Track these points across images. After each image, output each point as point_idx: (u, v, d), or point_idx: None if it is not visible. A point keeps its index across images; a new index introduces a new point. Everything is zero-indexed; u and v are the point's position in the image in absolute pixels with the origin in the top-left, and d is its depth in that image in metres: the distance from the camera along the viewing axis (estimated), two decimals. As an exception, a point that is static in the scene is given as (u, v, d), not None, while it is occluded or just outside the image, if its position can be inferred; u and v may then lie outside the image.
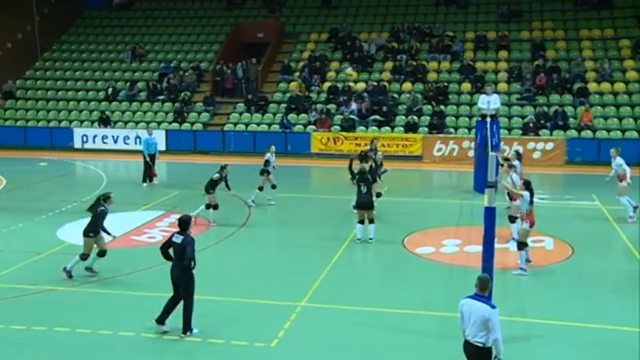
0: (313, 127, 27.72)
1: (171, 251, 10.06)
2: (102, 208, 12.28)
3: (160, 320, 10.08)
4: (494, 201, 9.71)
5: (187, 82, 31.32)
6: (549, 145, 24.99)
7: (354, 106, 28.08)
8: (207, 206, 16.48)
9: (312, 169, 25.25)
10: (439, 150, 25.88)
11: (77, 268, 12.43)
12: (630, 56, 28.68)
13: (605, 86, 27.60)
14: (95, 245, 12.45)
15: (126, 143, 28.64)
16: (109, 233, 12.42)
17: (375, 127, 27.31)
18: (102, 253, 12.52)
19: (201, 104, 30.19)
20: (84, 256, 12.37)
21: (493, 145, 17.92)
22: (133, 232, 15.73)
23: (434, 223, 16.61)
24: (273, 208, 18.30)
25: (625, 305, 11.27)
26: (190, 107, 30.31)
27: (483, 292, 7.60)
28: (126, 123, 29.93)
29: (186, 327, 10.00)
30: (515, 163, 15.43)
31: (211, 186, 16.39)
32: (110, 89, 31.61)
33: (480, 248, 10.10)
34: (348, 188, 18.21)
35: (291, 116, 28.44)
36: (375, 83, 29.18)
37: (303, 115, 28.59)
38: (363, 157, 18.15)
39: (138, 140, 27.40)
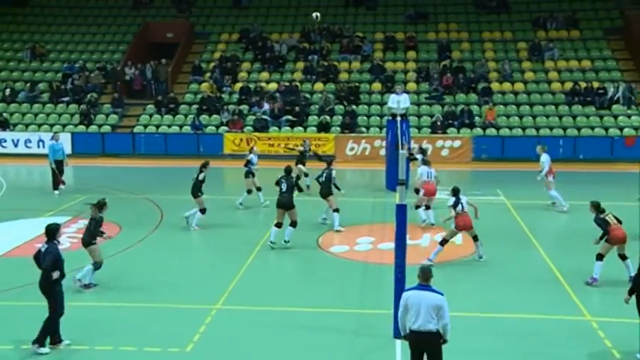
0: (226, 128, 27.46)
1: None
2: (99, 217, 12.02)
3: (53, 340, 9.50)
4: (405, 198, 9.92)
5: (93, 83, 30.29)
6: (457, 143, 25.81)
7: (266, 106, 28.03)
8: (202, 211, 15.81)
9: (225, 170, 25.00)
10: (351, 149, 26.23)
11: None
12: (527, 58, 30.07)
13: (507, 86, 28.81)
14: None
15: (27, 147, 27.38)
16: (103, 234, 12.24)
17: (287, 128, 27.36)
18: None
19: (109, 106, 29.29)
20: (97, 265, 11.94)
21: (403, 144, 18.32)
22: (37, 240, 15.05)
23: (348, 221, 16.75)
24: (185, 211, 17.98)
25: (529, 294, 11.80)
26: (97, 109, 29.34)
27: (427, 281, 7.87)
28: (27, 126, 28.61)
29: (40, 338, 9.33)
30: (418, 157, 17.05)
31: (199, 188, 15.69)
32: (8, 90, 30.08)
33: (393, 245, 10.29)
34: (262, 190, 18.11)
35: (203, 117, 28.06)
36: (287, 84, 29.24)
37: (215, 116, 28.27)
38: (300, 159, 18.34)
39: (41, 144, 26.27)
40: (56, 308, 9.41)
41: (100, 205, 12.09)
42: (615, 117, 26.76)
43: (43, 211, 17.72)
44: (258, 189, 17.96)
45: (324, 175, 15.91)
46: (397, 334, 9.89)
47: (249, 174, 17.92)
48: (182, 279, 12.78)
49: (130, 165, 25.58)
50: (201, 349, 9.72)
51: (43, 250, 9.52)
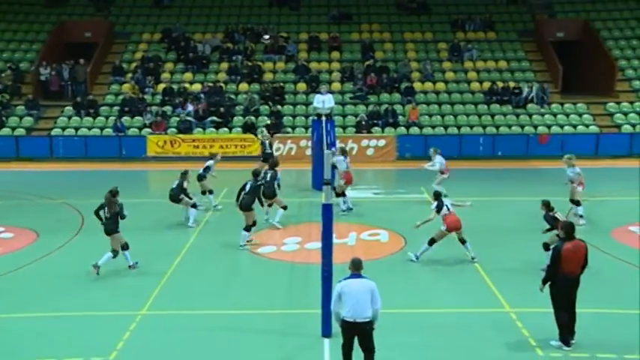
0: (149, 130, 26.89)
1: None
2: (120, 202, 13.00)
3: None
4: (331, 198, 10.00)
5: (4, 84, 29.02)
6: (381, 142, 26.19)
7: (190, 107, 27.63)
8: (193, 205, 16.32)
9: (149, 173, 24.51)
10: (277, 150, 26.14)
11: None
12: (448, 58, 30.88)
13: (429, 86, 29.47)
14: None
15: None
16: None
17: (212, 129, 27.07)
18: (125, 246, 13.10)
19: (23, 108, 28.14)
20: (116, 253, 12.88)
21: (329, 144, 18.47)
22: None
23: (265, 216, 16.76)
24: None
25: (453, 289, 12.12)
26: (10, 111, 28.14)
27: (358, 270, 8.46)
28: None
29: None
30: (340, 158, 17.34)
31: (183, 191, 16.14)
32: None
33: (319, 244, 10.36)
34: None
35: (125, 119, 27.38)
36: (211, 84, 28.92)
37: (137, 117, 27.63)
38: (266, 159, 18.28)
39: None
40: None
41: (114, 193, 13.01)
42: (530, 115, 27.82)
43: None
44: (210, 192, 17.88)
45: (269, 175, 15.89)
46: (325, 333, 10.00)
47: (203, 177, 17.76)
48: (105, 285, 12.43)
49: (48, 169, 24.67)
50: (125, 357, 9.51)
51: None
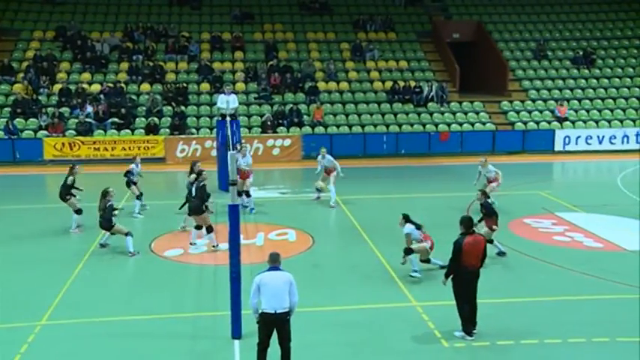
0: (45, 132, 25.71)
1: None
2: (110, 202, 14.00)
3: None
4: (237, 198, 9.94)
5: None
6: (287, 142, 26.27)
7: (89, 108, 26.63)
8: (77, 211, 15.65)
9: (47, 177, 23.43)
10: (182, 151, 25.74)
11: None
12: (350, 58, 31.39)
13: (332, 85, 29.82)
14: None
15: None
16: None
17: (114, 130, 26.24)
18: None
19: None
20: (130, 233, 14.09)
21: (234, 144, 18.33)
22: None
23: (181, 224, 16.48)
24: (2, 222, 16.66)
25: (361, 286, 12.33)
26: None
27: (276, 263, 8.66)
28: None
29: None
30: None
31: (68, 189, 15.64)
32: None
33: (227, 245, 10.27)
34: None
35: (18, 121, 26.04)
36: (111, 85, 28.01)
37: (32, 119, 26.35)
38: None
39: None
40: None
41: (105, 193, 14.06)
42: (431, 114, 28.72)
43: None
44: (138, 197, 17.39)
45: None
46: (235, 335, 9.93)
47: (130, 183, 17.45)
48: (1, 295, 11.79)
49: None
50: (25, 370, 9.07)
51: None
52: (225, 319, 10.04)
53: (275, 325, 8.55)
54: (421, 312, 11.07)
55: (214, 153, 22.88)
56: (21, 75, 28.26)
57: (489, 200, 14.18)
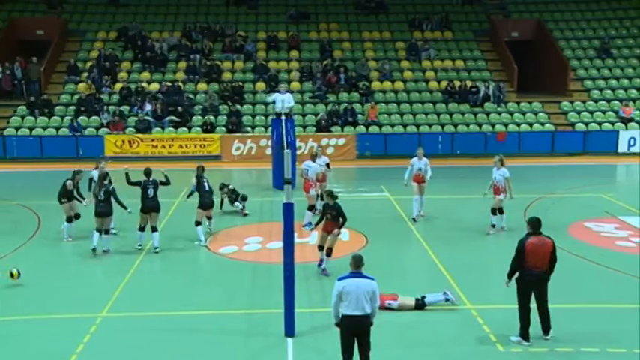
0: (106, 129, 26.45)
1: None
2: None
3: None
4: (292, 197, 10.00)
5: (-45, 83, 28.17)
6: (341, 141, 26.28)
7: (148, 107, 27.26)
8: (69, 219, 14.80)
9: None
10: (237, 149, 26.05)
11: None
12: (406, 57, 31.16)
13: (387, 85, 29.68)
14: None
15: None
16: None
17: (171, 128, 26.77)
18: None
19: (-26, 107, 27.37)
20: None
21: (289, 143, 18.43)
22: None
23: (236, 222, 16.70)
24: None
25: (411, 287, 12.21)
26: (-39, 111, 27.36)
27: (359, 269, 8.33)
28: None
29: None
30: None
31: (64, 194, 14.74)
32: None
33: (281, 244, 10.34)
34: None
35: (82, 119, 26.87)
36: (170, 83, 28.58)
37: (94, 117, 27.14)
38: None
39: None
40: None
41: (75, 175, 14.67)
42: (487, 114, 28.26)
43: None
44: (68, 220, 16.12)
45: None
46: (289, 333, 10.00)
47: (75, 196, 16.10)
48: (65, 288, 12.21)
49: (1, 170, 24.07)
50: (86, 359, 9.34)
51: None
52: (279, 316, 10.11)
53: (355, 329, 8.26)
54: (476, 315, 10.91)
55: (269, 152, 23.10)
56: (85, 74, 29.14)
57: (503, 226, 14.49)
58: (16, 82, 28.69)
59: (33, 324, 10.50)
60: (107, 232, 14.33)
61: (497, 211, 15.45)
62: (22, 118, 27.15)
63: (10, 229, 15.93)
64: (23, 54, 29.47)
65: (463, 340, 10.05)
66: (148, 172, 14.32)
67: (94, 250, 13.90)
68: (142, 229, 14.29)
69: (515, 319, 9.88)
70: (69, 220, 14.92)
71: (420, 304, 11.15)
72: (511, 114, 28.26)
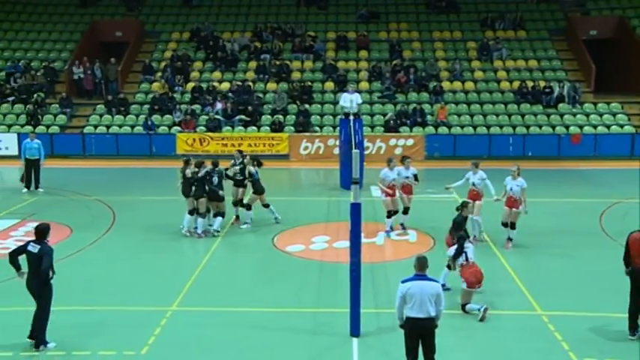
0: (178, 128, 27.14)
1: (22, 259, 9.61)
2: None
3: (33, 336, 9.60)
4: (360, 197, 9.99)
5: (40, 83, 29.50)
6: (410, 142, 26.06)
7: (219, 106, 27.81)
8: (190, 212, 15.26)
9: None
10: (305, 148, 26.24)
11: None
12: (477, 57, 30.62)
13: (457, 85, 29.25)
14: None
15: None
16: None
17: (241, 127, 27.22)
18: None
19: (57, 106, 28.60)
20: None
21: (357, 143, 18.41)
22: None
23: (303, 220, 16.81)
24: (138, 213, 17.74)
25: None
26: (45, 109, 28.61)
27: (423, 271, 8.28)
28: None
29: (40, 341, 9.54)
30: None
31: (189, 186, 15.19)
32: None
33: (348, 244, 10.35)
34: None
35: (155, 117, 27.67)
36: (240, 83, 29.06)
37: (167, 116, 27.90)
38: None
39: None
40: (49, 307, 9.52)
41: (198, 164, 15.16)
42: (561, 115, 27.45)
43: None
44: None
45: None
46: (354, 333, 9.99)
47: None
48: (137, 281, 12.60)
49: (81, 166, 25.05)
50: (157, 351, 9.62)
51: (35, 250, 9.44)
52: (345, 316, 10.12)
53: (419, 331, 8.23)
54: (547, 321, 10.61)
55: (336, 151, 23.15)
56: (159, 74, 30.00)
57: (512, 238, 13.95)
58: (96, 82, 29.81)
59: (109, 315, 10.86)
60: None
61: (510, 225, 14.23)
62: (100, 116, 28.20)
63: (87, 223, 16.53)
64: (103, 55, 30.61)
65: (533, 347, 9.79)
66: (215, 163, 15.50)
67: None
68: (193, 213, 15.14)
69: (591, 326, 9.60)
70: (191, 212, 15.28)
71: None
72: (587, 115, 27.35)
